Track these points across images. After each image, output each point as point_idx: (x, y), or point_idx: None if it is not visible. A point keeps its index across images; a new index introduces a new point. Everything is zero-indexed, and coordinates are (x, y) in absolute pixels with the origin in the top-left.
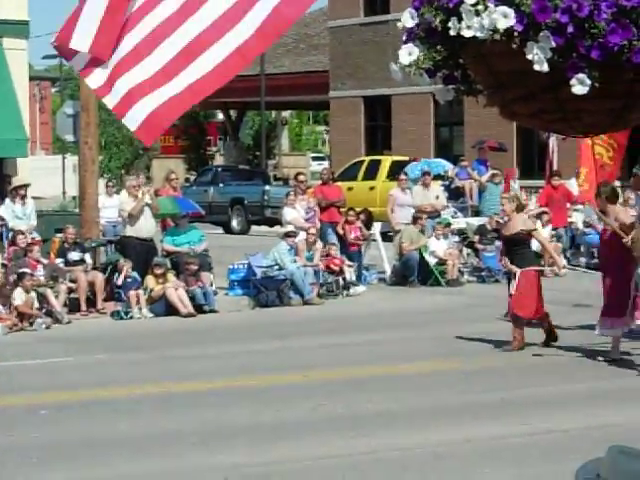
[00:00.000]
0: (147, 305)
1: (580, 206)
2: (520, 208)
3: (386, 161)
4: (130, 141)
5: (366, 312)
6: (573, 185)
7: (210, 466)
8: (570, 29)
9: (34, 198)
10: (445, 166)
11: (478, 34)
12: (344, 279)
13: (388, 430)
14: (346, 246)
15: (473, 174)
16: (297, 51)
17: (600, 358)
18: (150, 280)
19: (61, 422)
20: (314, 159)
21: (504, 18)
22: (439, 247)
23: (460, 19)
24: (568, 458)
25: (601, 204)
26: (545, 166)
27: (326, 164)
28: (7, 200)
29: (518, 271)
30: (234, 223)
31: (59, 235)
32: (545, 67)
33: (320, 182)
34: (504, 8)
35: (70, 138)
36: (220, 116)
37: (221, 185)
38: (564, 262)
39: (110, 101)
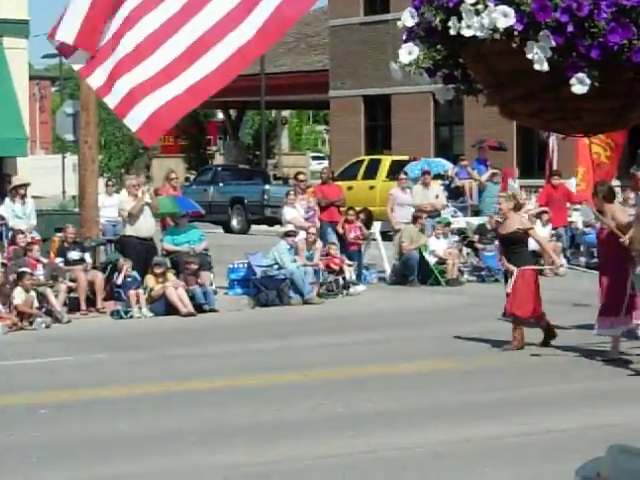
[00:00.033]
0: (147, 304)
1: (580, 206)
2: (517, 207)
3: (386, 160)
4: (130, 140)
5: (366, 311)
6: (573, 185)
7: (210, 465)
8: (570, 28)
9: (34, 197)
10: (445, 165)
11: (478, 33)
12: (344, 278)
13: (388, 429)
14: (346, 245)
15: (473, 173)
16: (297, 50)
17: (599, 358)
18: (150, 279)
19: (61, 421)
20: (314, 158)
21: (504, 17)
22: (439, 246)
23: (460, 18)
24: (567, 458)
25: (598, 203)
26: (545, 165)
27: (326, 163)
28: (7, 199)
29: (515, 270)
30: (234, 222)
31: (59, 234)
32: (545, 66)
33: (320, 181)
34: (504, 7)
35: (70, 137)
36: (220, 115)
37: (221, 184)
38: (564, 262)
39: (111, 101)
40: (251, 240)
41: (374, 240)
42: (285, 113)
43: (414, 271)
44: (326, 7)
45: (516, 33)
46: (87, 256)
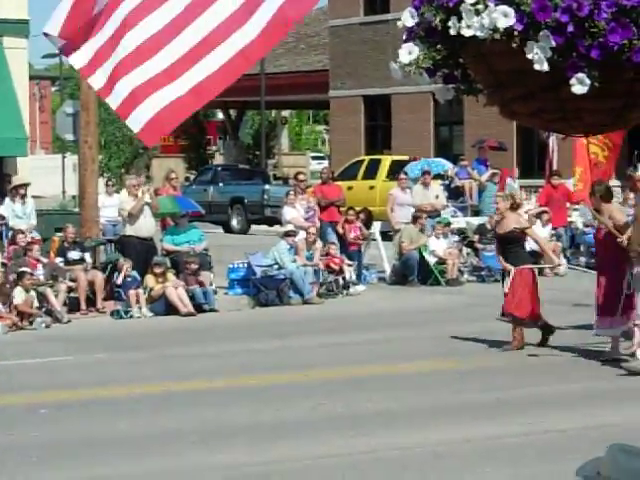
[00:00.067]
0: (147, 304)
1: (579, 206)
2: (514, 207)
3: (386, 160)
4: (130, 140)
5: (366, 311)
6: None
7: (210, 465)
8: (570, 28)
9: (34, 197)
10: (445, 165)
11: (478, 33)
12: (344, 278)
13: (388, 429)
14: (346, 245)
15: (473, 173)
16: (297, 50)
17: (598, 358)
18: (150, 279)
19: (61, 421)
20: (314, 158)
21: (504, 17)
22: (439, 246)
23: (460, 18)
24: (565, 458)
25: (595, 203)
26: (545, 165)
27: (326, 163)
28: (7, 199)
29: (512, 269)
30: (234, 222)
31: (59, 234)
32: (545, 66)
33: (320, 181)
34: (504, 7)
35: (70, 137)
36: (220, 115)
37: (221, 184)
38: (564, 262)
39: (113, 102)
40: (251, 240)
41: (374, 240)
42: (285, 113)
43: (414, 271)
44: (326, 7)
45: (516, 33)
46: (87, 256)
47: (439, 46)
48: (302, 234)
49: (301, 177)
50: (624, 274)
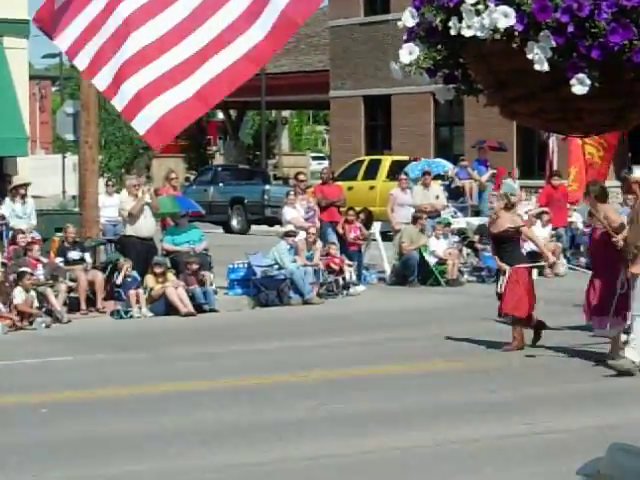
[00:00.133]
0: (147, 304)
1: (578, 206)
2: (508, 206)
3: (386, 161)
4: (130, 140)
5: (366, 312)
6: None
7: (209, 465)
8: (570, 29)
9: (34, 197)
10: (445, 166)
11: (478, 33)
12: (344, 279)
13: (388, 430)
14: (346, 246)
15: (473, 174)
16: (297, 51)
17: (597, 358)
18: (150, 279)
19: (61, 421)
20: (314, 159)
21: (504, 17)
22: (439, 247)
23: (460, 18)
24: (567, 458)
25: (591, 203)
26: (545, 166)
27: (326, 164)
28: (7, 199)
29: (508, 269)
30: (234, 222)
31: (59, 234)
32: (545, 67)
33: (320, 182)
34: (504, 7)
35: (70, 137)
36: (220, 115)
37: (221, 184)
38: (564, 261)
39: (118, 103)
40: (251, 240)
41: (374, 240)
42: (285, 113)
43: (414, 271)
44: (326, 7)
45: (516, 33)
46: (87, 256)
47: (439, 46)
48: (302, 234)
49: (301, 177)
50: (618, 274)
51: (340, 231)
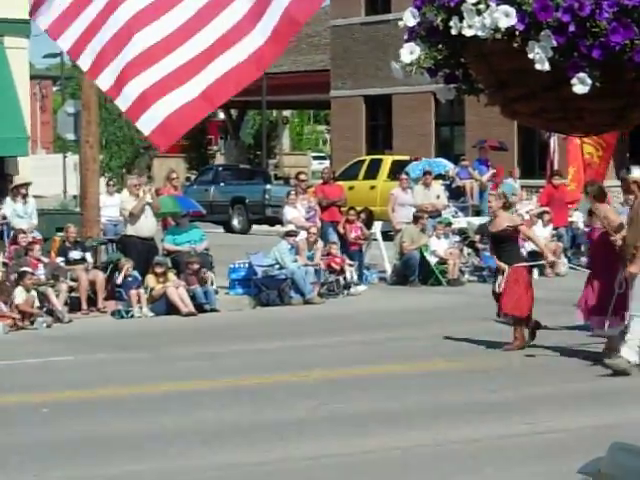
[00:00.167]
0: (148, 304)
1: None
2: (506, 206)
3: (387, 160)
4: (131, 140)
5: (367, 311)
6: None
7: (210, 465)
8: (571, 28)
9: (35, 197)
10: (446, 166)
11: (479, 33)
12: (345, 278)
13: (388, 430)
14: (347, 245)
15: (474, 174)
16: (298, 50)
17: (597, 358)
18: (151, 279)
19: (61, 421)
20: (315, 158)
21: (505, 17)
22: (440, 246)
23: (461, 18)
24: (567, 458)
25: (589, 203)
26: (546, 165)
27: (327, 163)
28: (8, 199)
29: (507, 268)
30: (235, 222)
31: (60, 234)
32: (546, 66)
33: (321, 181)
34: (506, 7)
35: (71, 137)
36: (221, 115)
37: (222, 184)
38: (564, 261)
39: (122, 104)
40: (252, 240)
41: (375, 240)
42: (286, 113)
43: (415, 271)
44: (327, 7)
45: (517, 33)
46: (88, 256)
47: (440, 46)
48: (303, 234)
49: (302, 177)
50: (617, 274)
51: (341, 231)
